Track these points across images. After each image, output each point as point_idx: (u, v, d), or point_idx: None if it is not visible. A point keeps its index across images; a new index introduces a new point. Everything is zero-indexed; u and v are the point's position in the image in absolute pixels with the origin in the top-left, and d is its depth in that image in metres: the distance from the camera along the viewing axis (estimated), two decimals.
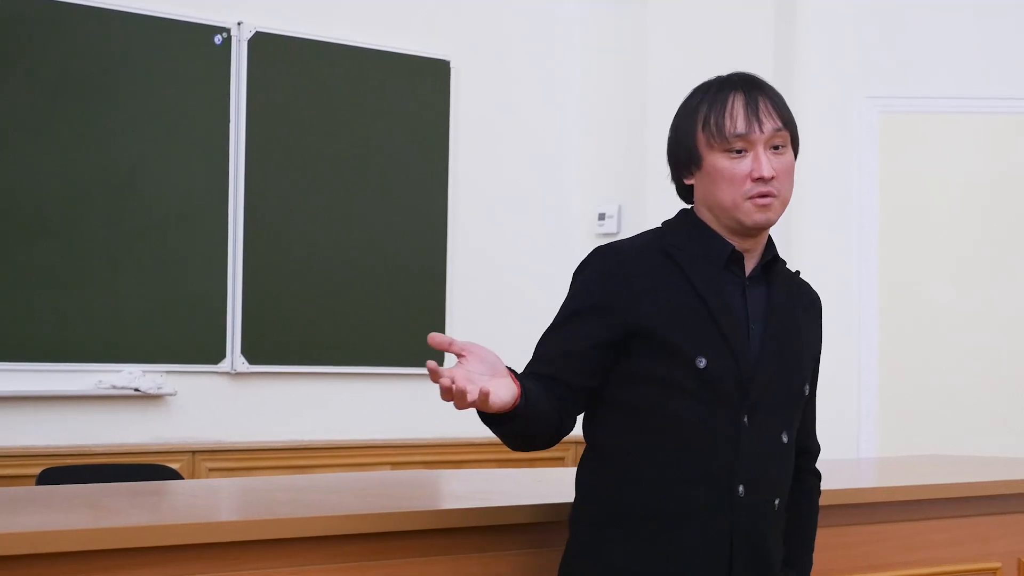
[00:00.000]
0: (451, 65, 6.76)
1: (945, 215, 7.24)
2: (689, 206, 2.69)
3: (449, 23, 6.83)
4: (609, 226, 6.97)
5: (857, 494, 3.45)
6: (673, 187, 2.71)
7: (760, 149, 2.58)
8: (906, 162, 7.28)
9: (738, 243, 2.62)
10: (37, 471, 4.62)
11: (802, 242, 7.43)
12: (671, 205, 2.70)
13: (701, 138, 2.59)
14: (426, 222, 6.63)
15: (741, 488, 2.51)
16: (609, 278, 2.56)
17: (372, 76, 6.53)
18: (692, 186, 2.65)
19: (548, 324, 2.62)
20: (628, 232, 6.28)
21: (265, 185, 6.21)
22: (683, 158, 2.63)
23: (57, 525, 2.46)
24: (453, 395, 2.33)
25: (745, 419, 2.52)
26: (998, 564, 3.67)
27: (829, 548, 3.30)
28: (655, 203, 6.22)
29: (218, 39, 6.13)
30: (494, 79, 6.97)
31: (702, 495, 2.50)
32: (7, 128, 5.69)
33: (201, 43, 6.09)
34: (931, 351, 7.21)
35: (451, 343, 2.38)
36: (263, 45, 6.22)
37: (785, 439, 2.60)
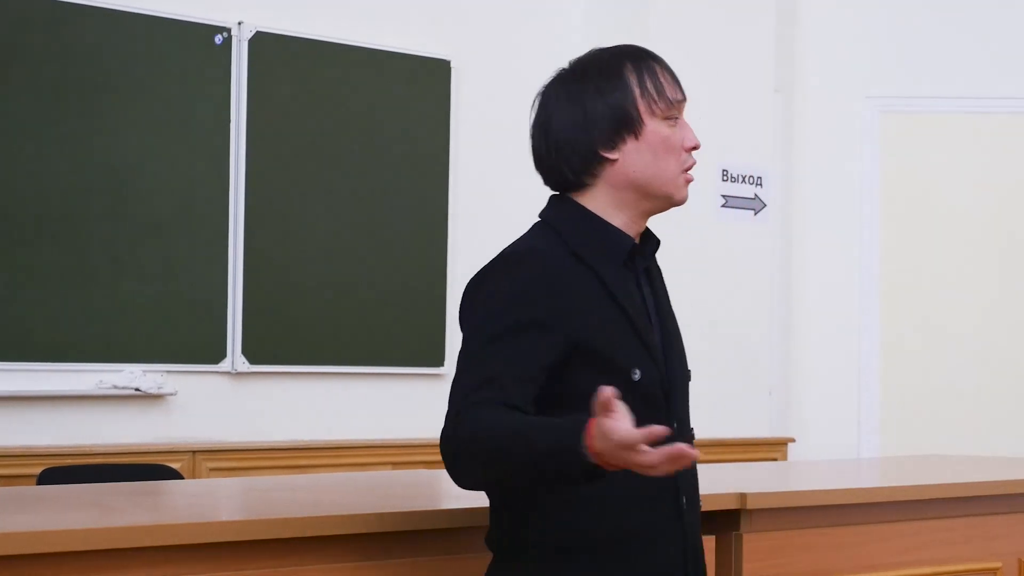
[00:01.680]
0: (452, 65, 6.75)
1: (946, 214, 7.25)
2: (557, 194, 2.48)
3: (450, 23, 6.83)
4: None
5: (858, 494, 3.46)
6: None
7: (683, 119, 2.45)
8: (907, 162, 7.29)
9: (636, 232, 2.44)
10: (38, 471, 4.62)
11: (803, 242, 7.43)
12: None
13: (641, 104, 2.40)
14: (427, 222, 6.63)
15: (684, 500, 2.42)
16: (544, 288, 2.31)
17: (373, 76, 6.52)
18: (594, 169, 2.40)
19: (469, 337, 2.34)
20: None
21: (266, 185, 6.20)
22: (619, 124, 2.38)
23: (58, 525, 2.46)
24: (677, 459, 2.03)
25: (674, 425, 2.39)
26: (999, 564, 3.67)
27: (830, 548, 3.30)
28: None
29: (219, 39, 6.13)
30: (495, 79, 6.97)
31: (659, 513, 2.38)
32: (7, 128, 5.68)
33: (202, 43, 6.09)
34: (931, 351, 7.22)
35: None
36: (264, 45, 6.22)
37: (695, 434, 2.50)
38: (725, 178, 6.97)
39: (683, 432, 2.43)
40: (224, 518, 2.74)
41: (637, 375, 2.34)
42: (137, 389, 5.86)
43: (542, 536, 2.35)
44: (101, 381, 5.82)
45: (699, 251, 6.88)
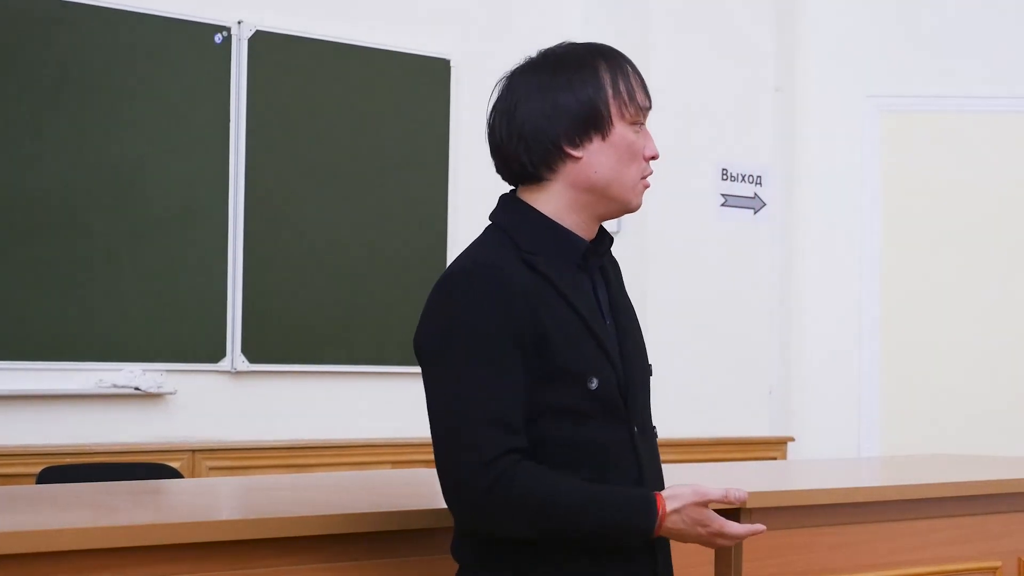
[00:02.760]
0: (451, 64, 6.75)
1: (946, 213, 7.25)
2: (509, 192, 2.46)
3: (449, 22, 6.83)
4: (609, 224, 6.97)
5: (858, 493, 3.45)
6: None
7: (646, 127, 2.40)
8: (907, 161, 7.29)
9: (589, 234, 2.40)
10: (37, 470, 4.61)
11: (803, 241, 7.43)
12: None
13: (612, 104, 2.34)
14: (426, 220, 6.63)
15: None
16: (506, 307, 2.24)
17: (372, 75, 6.52)
18: (555, 165, 2.35)
19: (451, 364, 2.25)
20: (626, 230, 6.28)
21: (265, 184, 6.20)
22: (588, 121, 2.32)
23: (57, 524, 2.46)
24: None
25: (635, 429, 2.35)
26: (999, 563, 3.67)
27: (830, 547, 3.30)
28: (652, 202, 6.21)
29: (218, 38, 6.13)
30: (494, 78, 6.94)
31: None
32: (7, 126, 5.68)
33: (201, 42, 6.09)
34: (932, 349, 7.22)
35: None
36: (263, 44, 6.22)
37: (657, 432, 2.46)
38: (725, 177, 6.96)
39: (644, 433, 2.39)
40: (224, 517, 2.74)
41: (594, 384, 2.28)
42: (137, 388, 5.86)
43: (514, 544, 2.28)
44: (101, 380, 5.82)
45: (699, 250, 6.88)
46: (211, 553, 2.46)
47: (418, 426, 6.47)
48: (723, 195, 6.98)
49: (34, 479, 4.52)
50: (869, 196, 7.27)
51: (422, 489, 3.38)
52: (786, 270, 7.34)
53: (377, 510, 2.69)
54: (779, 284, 7.26)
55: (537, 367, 2.25)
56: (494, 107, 2.46)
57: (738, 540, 2.31)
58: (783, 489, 3.41)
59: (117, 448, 5.57)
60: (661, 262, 6.75)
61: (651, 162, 2.41)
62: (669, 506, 2.24)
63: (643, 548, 2.34)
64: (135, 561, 2.39)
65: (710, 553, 2.90)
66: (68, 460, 5.22)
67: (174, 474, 4.72)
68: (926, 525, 3.53)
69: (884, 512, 3.45)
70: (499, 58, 6.98)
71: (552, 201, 2.38)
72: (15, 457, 5.37)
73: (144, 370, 5.91)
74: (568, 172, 2.35)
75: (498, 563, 2.31)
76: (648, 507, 2.21)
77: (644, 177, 2.39)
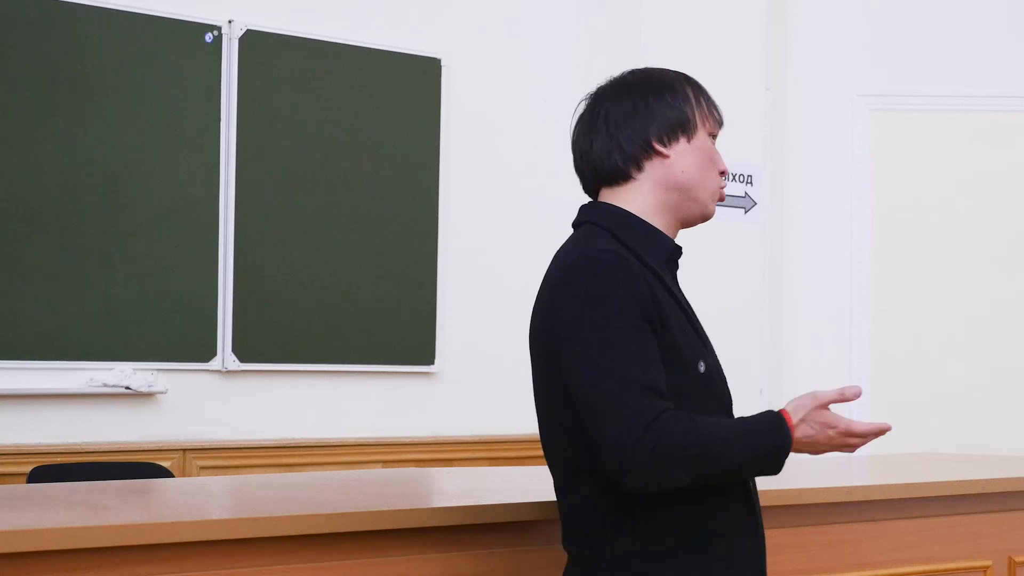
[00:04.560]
0: (442, 63, 6.75)
1: (937, 212, 7.26)
2: (591, 201, 2.54)
3: (440, 21, 6.83)
4: None
5: (848, 492, 3.46)
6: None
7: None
8: (897, 160, 7.30)
9: (673, 238, 2.54)
10: (28, 469, 4.61)
11: (793, 240, 7.44)
12: None
13: (697, 113, 2.49)
14: (417, 219, 6.63)
15: (754, 492, 2.50)
16: (634, 287, 2.34)
17: (363, 74, 6.52)
18: (643, 162, 2.45)
19: (590, 340, 2.33)
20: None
21: (256, 183, 6.20)
22: (676, 123, 2.46)
23: (48, 523, 2.46)
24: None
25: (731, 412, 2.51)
26: (989, 562, 3.67)
27: (820, 546, 3.31)
28: None
29: (209, 37, 6.12)
30: (485, 77, 6.97)
31: (743, 506, 2.46)
32: None
33: (192, 41, 6.08)
34: (922, 349, 7.23)
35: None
36: (254, 43, 6.21)
37: None
38: None
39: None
40: (214, 516, 2.74)
41: (702, 367, 2.41)
42: (127, 387, 5.86)
43: (641, 542, 2.37)
44: (91, 379, 5.82)
45: (689, 249, 6.86)
46: (202, 552, 2.46)
47: (409, 425, 6.49)
48: None
49: (24, 478, 4.52)
50: (859, 195, 7.28)
51: (413, 489, 3.38)
52: (776, 269, 7.35)
53: (368, 509, 2.69)
54: (769, 283, 7.27)
55: (665, 351, 2.35)
56: (580, 118, 2.54)
57: (867, 439, 2.45)
58: (773, 488, 3.41)
59: (108, 447, 5.57)
60: None
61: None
62: (795, 417, 2.38)
63: (750, 530, 2.45)
64: (126, 560, 2.39)
65: None
66: (59, 459, 5.22)
67: (165, 473, 4.71)
68: (917, 524, 3.54)
69: (875, 511, 3.46)
70: (490, 58, 7.05)
71: (639, 201, 2.48)
72: (5, 456, 5.37)
73: (135, 369, 5.90)
74: (655, 170, 2.47)
75: (618, 551, 2.38)
76: (781, 424, 2.35)
77: (720, 188, 2.52)
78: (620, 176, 2.48)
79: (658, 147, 2.45)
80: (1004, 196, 7.22)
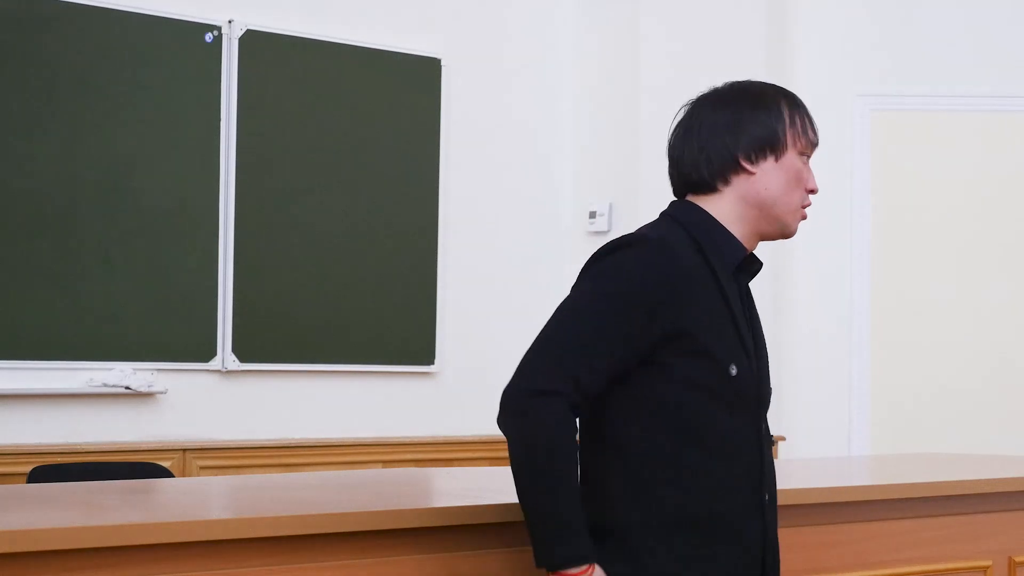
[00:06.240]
0: (442, 63, 6.75)
1: (937, 212, 7.25)
2: (679, 200, 2.59)
3: (440, 21, 6.83)
4: (600, 224, 6.97)
5: (848, 492, 3.45)
6: (668, 184, 2.62)
7: (810, 164, 2.59)
8: (897, 160, 7.30)
9: (748, 249, 2.58)
10: (28, 469, 4.61)
11: (792, 240, 7.42)
12: (663, 202, 2.67)
13: (789, 132, 2.53)
14: (417, 219, 6.63)
15: (767, 495, 2.52)
16: (665, 276, 2.40)
17: (363, 74, 6.52)
18: (729, 176, 2.52)
19: (578, 295, 2.44)
20: (619, 230, 6.28)
21: (256, 183, 6.20)
22: (765, 141, 2.52)
23: (48, 523, 2.46)
24: None
25: (762, 426, 2.53)
26: (989, 562, 3.67)
27: (820, 546, 3.30)
28: (646, 201, 6.22)
29: (209, 37, 6.13)
30: (485, 77, 6.97)
31: (747, 502, 2.49)
32: None
33: (192, 41, 6.09)
34: (923, 349, 7.22)
35: None
36: (254, 43, 6.22)
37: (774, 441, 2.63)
38: None
39: (767, 434, 2.56)
40: (214, 516, 2.73)
41: (734, 371, 2.44)
42: (127, 387, 5.86)
43: (642, 515, 2.42)
44: (91, 379, 5.82)
45: None
46: (202, 552, 2.46)
47: (408, 425, 6.49)
48: None
49: (24, 478, 4.52)
50: (859, 195, 7.28)
51: (413, 489, 3.38)
52: (776, 270, 7.34)
53: (368, 510, 2.69)
54: (769, 283, 7.27)
55: (679, 338, 2.40)
56: (679, 123, 2.60)
57: None
58: None
59: (108, 447, 5.57)
60: None
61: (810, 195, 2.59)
62: None
63: (755, 528, 2.49)
64: (126, 560, 2.39)
65: None
66: (59, 459, 5.22)
67: (165, 473, 4.71)
68: (916, 524, 3.53)
69: (874, 511, 3.46)
70: (489, 58, 7.05)
71: (720, 209, 2.54)
72: (6, 456, 5.37)
73: (135, 369, 5.90)
74: (740, 185, 2.53)
75: (627, 529, 2.43)
76: (576, 556, 2.34)
77: (804, 206, 2.57)
78: (706, 187, 2.55)
79: (744, 164, 2.52)
80: (1004, 196, 7.22)
